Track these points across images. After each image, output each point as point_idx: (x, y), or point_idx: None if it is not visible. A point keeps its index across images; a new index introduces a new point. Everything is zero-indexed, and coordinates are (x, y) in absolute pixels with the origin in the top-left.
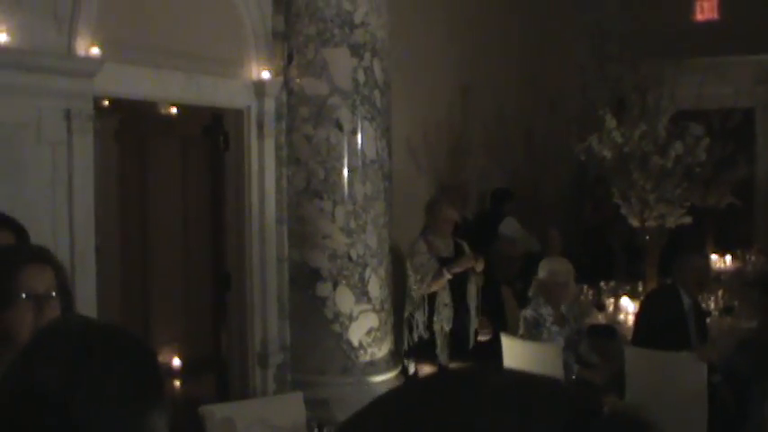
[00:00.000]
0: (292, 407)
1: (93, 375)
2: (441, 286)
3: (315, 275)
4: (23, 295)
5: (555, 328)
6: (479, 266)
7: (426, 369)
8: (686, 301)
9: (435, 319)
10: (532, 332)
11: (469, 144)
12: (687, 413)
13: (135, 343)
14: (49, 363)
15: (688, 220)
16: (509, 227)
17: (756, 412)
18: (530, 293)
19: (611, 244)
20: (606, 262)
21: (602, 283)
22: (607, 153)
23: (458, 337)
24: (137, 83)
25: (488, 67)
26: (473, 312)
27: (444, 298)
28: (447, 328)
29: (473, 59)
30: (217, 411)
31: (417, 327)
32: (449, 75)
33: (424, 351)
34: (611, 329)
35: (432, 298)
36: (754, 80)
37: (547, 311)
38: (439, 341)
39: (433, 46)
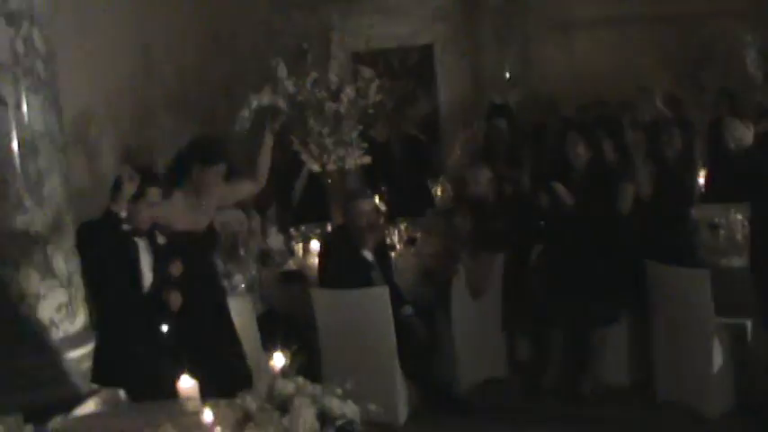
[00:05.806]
0: None
1: None
2: None
3: None
4: None
5: (238, 278)
6: None
7: None
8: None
9: None
10: None
11: (155, 104)
12: (378, 345)
13: None
14: None
15: (367, 159)
16: None
17: (443, 340)
18: None
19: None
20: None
21: (291, 230)
22: (282, 103)
23: None
24: None
25: (168, 24)
26: None
27: None
28: None
29: (151, 17)
30: None
31: None
32: (127, 36)
33: None
34: (299, 275)
35: None
36: (432, 18)
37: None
38: None
39: (106, 8)
